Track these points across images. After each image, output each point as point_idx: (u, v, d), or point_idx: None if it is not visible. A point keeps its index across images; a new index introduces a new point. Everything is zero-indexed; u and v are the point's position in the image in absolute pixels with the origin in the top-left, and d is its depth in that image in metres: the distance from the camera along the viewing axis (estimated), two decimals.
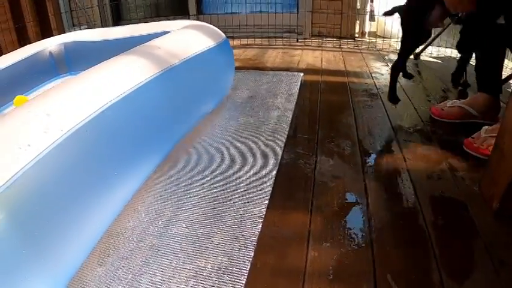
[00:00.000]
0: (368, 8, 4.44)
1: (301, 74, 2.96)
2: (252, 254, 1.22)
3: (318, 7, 4.39)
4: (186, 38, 2.10)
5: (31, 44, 2.83)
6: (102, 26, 4.71)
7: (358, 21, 4.44)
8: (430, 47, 3.61)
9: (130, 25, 2.90)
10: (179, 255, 1.22)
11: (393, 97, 2.20)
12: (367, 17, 4.47)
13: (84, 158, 1.19)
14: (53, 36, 3.48)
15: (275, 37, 4.29)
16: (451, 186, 1.56)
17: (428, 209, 1.42)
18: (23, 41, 3.38)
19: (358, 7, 4.34)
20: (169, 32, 2.24)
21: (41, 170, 1.01)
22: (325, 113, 2.30)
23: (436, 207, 1.44)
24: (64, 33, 3.78)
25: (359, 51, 3.92)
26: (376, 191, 1.55)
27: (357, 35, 4.49)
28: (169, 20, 2.96)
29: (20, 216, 0.94)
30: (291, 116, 2.21)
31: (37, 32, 3.50)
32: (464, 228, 1.33)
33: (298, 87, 2.69)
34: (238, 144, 1.90)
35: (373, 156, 1.82)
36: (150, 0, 5.03)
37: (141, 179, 1.59)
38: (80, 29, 4.54)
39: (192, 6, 4.61)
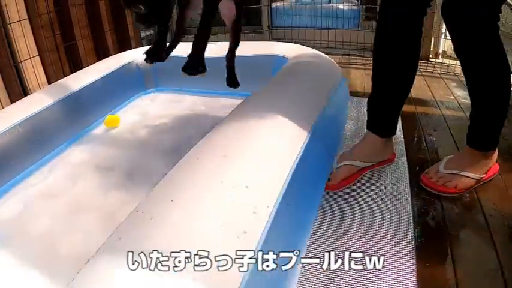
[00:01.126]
0: (444, 27, 4.22)
1: None
2: None
3: None
4: (316, 72, 1.95)
5: (116, 55, 2.72)
6: (170, 34, 4.60)
7: (432, 41, 4.22)
8: None
9: (218, 44, 2.75)
10: None
11: None
12: (443, 36, 4.25)
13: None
14: (130, 44, 3.37)
15: (352, 55, 4.11)
16: None
17: None
18: (102, 49, 3.26)
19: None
20: (284, 57, 2.10)
21: None
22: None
23: None
24: (141, 40, 3.67)
25: (439, 75, 3.70)
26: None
27: (431, 56, 4.28)
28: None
29: None
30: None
31: (114, 40, 3.38)
32: None
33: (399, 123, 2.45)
34: None
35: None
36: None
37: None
38: (151, 33, 4.44)
39: (265, 19, 4.46)
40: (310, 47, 2.83)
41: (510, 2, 3.30)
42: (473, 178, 1.72)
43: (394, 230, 1.51)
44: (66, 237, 1.62)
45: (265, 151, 1.24)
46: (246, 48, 2.41)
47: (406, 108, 2.73)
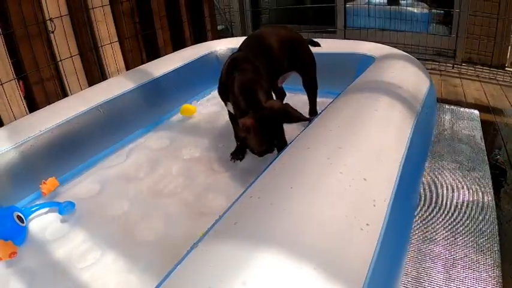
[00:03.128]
0: None
1: (476, 113, 2.64)
2: None
3: (471, 32, 4.03)
4: (406, 73, 1.89)
5: (196, 45, 2.74)
6: (241, 28, 4.62)
7: (509, 50, 4.04)
8: None
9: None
10: None
11: None
12: None
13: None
14: (207, 37, 3.39)
15: (426, 59, 3.98)
16: None
17: None
18: (179, 40, 3.29)
19: None
20: (370, 56, 2.05)
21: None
22: None
23: None
24: (217, 33, 3.69)
25: None
26: None
27: (507, 65, 4.09)
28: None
29: None
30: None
31: (191, 31, 3.41)
32: None
33: (480, 131, 2.35)
34: None
35: None
36: (295, 10, 4.84)
37: None
38: (218, 29, 4.47)
39: (340, 19, 4.39)
40: None
41: None
42: None
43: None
44: (145, 222, 1.62)
45: (377, 144, 1.21)
46: (332, 45, 2.37)
47: (484, 117, 2.64)
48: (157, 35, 3.10)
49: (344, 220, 0.87)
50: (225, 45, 2.70)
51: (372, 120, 1.34)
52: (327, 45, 2.32)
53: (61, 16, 2.55)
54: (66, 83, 2.66)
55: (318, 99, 2.20)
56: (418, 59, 3.86)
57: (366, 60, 2.19)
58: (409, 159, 1.22)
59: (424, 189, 1.73)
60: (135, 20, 3.01)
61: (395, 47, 3.98)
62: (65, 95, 2.64)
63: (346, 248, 0.82)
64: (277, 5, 5.09)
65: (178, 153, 2.11)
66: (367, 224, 0.87)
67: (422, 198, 1.67)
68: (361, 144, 1.17)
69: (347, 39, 4.29)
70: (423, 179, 1.77)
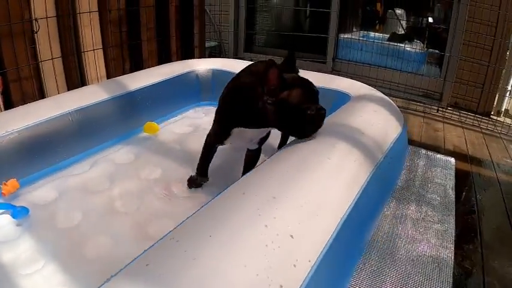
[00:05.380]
0: (510, 85, 4.04)
1: (453, 161, 2.62)
2: None
3: (460, 76, 4.04)
4: (377, 119, 1.86)
5: (179, 62, 2.70)
6: (234, 47, 4.62)
7: (496, 98, 4.05)
8: None
9: None
10: None
11: None
12: (508, 94, 4.06)
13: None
14: (194, 53, 3.37)
15: (411, 100, 3.98)
16: None
17: None
18: (165, 54, 3.26)
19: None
20: (347, 94, 2.02)
21: None
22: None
23: None
24: (205, 51, 3.68)
25: (498, 135, 3.52)
26: None
27: (492, 113, 4.09)
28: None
29: None
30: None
31: (178, 46, 3.39)
32: None
33: (453, 181, 2.31)
34: None
35: None
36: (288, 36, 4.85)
37: None
38: (210, 45, 4.46)
39: (330, 49, 4.40)
40: (372, 85, 2.76)
41: None
42: None
43: None
44: (93, 238, 1.59)
45: (318, 196, 1.15)
46: (310, 78, 2.35)
47: (461, 165, 2.62)
48: (143, 46, 3.08)
49: (255, 279, 0.82)
50: (207, 66, 2.67)
51: (321, 168, 1.29)
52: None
53: (47, 17, 2.53)
54: (44, 84, 2.62)
55: None
56: (405, 99, 3.90)
57: (342, 97, 2.16)
58: (356, 214, 1.17)
59: (381, 240, 1.67)
60: (121, 29, 2.98)
61: (383, 84, 4.01)
62: (42, 96, 2.61)
63: None
64: (275, 28, 5.10)
65: (140, 172, 2.07)
66: (281, 286, 0.82)
67: (376, 249, 1.61)
68: (299, 196, 1.11)
69: (335, 70, 4.31)
70: (383, 228, 1.73)
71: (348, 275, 1.30)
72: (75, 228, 1.65)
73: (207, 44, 4.40)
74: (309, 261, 0.93)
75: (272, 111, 1.45)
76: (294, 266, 0.89)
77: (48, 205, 1.78)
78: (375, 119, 1.80)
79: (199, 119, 2.66)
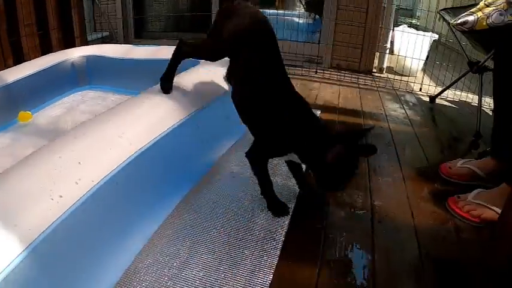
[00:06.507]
0: (389, 43, 4.41)
1: (318, 112, 2.94)
2: None
3: (339, 39, 4.37)
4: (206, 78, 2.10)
5: (53, 53, 2.85)
6: (124, 35, 4.73)
7: (377, 56, 4.42)
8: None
9: (152, 47, 2.90)
10: None
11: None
12: (387, 52, 4.44)
13: (113, 205, 1.23)
14: (75, 44, 3.50)
15: (295, 66, 4.28)
16: (455, 248, 1.60)
17: (430, 269, 1.46)
18: (46, 47, 3.38)
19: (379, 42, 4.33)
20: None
21: (73, 219, 1.04)
22: None
23: (439, 268, 1.47)
24: (86, 41, 3.80)
25: (376, 89, 3.89)
26: (382, 247, 1.57)
27: (374, 70, 4.46)
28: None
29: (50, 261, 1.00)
30: None
31: (59, 38, 3.50)
32: None
33: None
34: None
35: (384, 210, 1.82)
36: (173, 16, 5.03)
37: (161, 219, 1.58)
38: (102, 36, 4.57)
39: None
40: None
41: None
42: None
43: None
44: None
45: (117, 132, 1.36)
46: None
47: (326, 116, 2.94)
48: (23, 42, 3.18)
49: (39, 189, 1.03)
50: (81, 53, 2.83)
51: (126, 112, 1.52)
52: (158, 52, 2.60)
53: None
54: None
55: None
56: (290, 65, 4.18)
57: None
58: (156, 152, 1.41)
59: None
60: (1, 27, 3.06)
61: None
62: None
63: (32, 209, 0.99)
64: (169, 12, 5.23)
65: (18, 152, 2.13)
66: (60, 196, 1.03)
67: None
68: (98, 133, 1.33)
69: None
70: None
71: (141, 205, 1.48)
72: None
73: (99, 35, 4.52)
74: (92, 181, 1.13)
75: None
76: (76, 183, 1.09)
77: None
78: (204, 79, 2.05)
79: (75, 101, 2.82)
